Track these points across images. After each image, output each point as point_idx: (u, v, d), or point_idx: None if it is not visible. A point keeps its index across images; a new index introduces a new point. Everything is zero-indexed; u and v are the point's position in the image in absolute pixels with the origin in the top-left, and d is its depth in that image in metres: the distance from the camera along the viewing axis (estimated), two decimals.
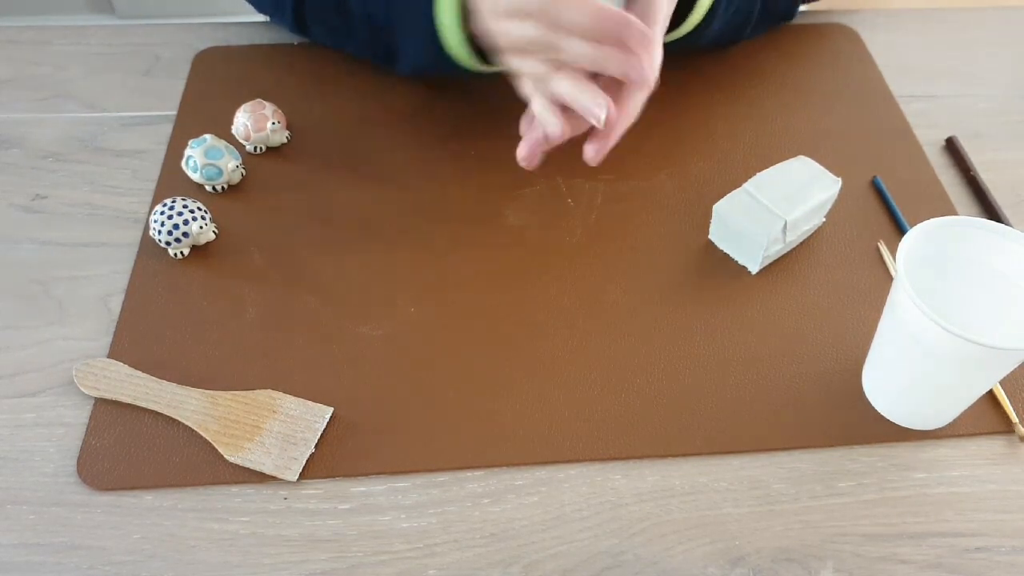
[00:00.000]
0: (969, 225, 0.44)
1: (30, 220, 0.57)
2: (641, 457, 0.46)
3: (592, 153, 0.49)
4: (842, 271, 0.54)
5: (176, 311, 0.52)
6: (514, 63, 0.49)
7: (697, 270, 0.54)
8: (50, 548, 0.43)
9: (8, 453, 0.46)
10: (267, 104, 0.60)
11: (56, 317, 0.52)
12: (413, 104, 0.65)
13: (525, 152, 0.51)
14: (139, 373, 0.48)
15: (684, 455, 0.46)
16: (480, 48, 0.54)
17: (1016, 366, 0.42)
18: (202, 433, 0.46)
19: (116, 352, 0.50)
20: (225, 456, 0.45)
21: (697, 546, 0.43)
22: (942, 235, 0.43)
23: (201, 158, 0.56)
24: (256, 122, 0.59)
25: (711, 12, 0.58)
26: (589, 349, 0.50)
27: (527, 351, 0.50)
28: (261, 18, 0.74)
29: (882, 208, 0.58)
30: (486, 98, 0.65)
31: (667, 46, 0.62)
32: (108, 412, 0.47)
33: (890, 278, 0.54)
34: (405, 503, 0.44)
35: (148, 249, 0.55)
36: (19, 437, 0.47)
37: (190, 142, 0.57)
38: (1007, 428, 0.47)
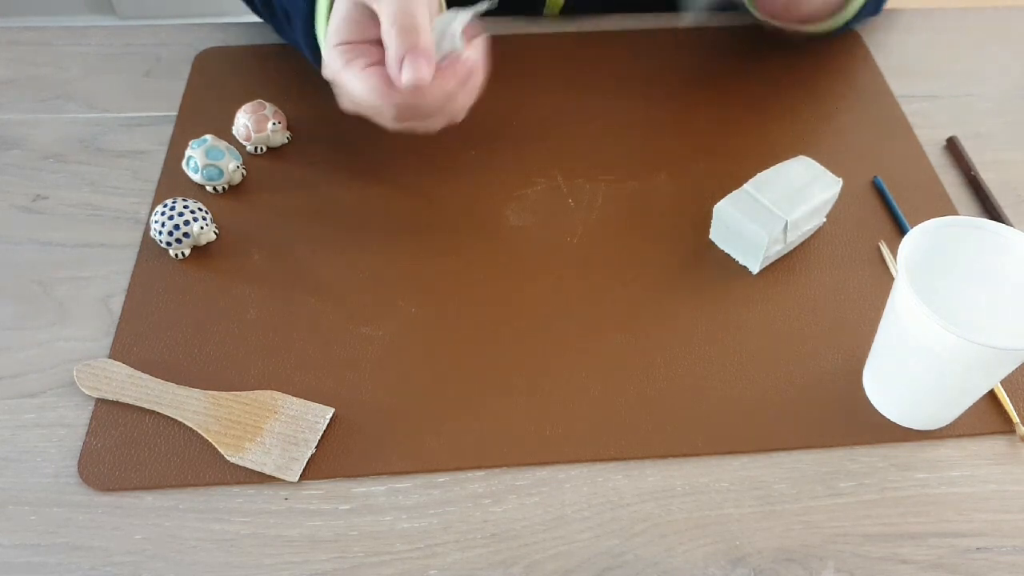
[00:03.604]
0: (970, 225, 0.44)
1: (31, 221, 0.57)
2: (642, 457, 0.46)
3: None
4: (843, 271, 0.54)
5: (177, 311, 0.52)
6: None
7: (697, 270, 0.54)
8: (51, 549, 0.43)
9: (9, 454, 0.46)
10: (268, 105, 0.60)
11: (57, 318, 0.52)
12: None
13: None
14: (140, 374, 0.48)
15: (685, 455, 0.46)
16: None
17: (1017, 366, 0.42)
18: (203, 434, 0.46)
19: (117, 353, 0.50)
20: (226, 456, 0.45)
21: (698, 546, 0.43)
22: (943, 235, 0.43)
23: (202, 159, 0.56)
24: (257, 123, 0.59)
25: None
26: (590, 349, 0.50)
27: (528, 351, 0.50)
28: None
29: (883, 208, 0.58)
30: (487, 98, 0.65)
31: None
32: (109, 413, 0.47)
33: (891, 278, 0.54)
34: (406, 504, 0.44)
35: (149, 250, 0.55)
36: (20, 438, 0.47)
37: (191, 143, 0.57)
38: (1008, 428, 0.47)
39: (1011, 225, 0.55)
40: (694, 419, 0.47)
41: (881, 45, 0.71)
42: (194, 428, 0.46)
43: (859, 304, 0.53)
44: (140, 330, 0.51)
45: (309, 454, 0.45)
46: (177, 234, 0.52)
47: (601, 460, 0.46)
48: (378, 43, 0.48)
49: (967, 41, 0.72)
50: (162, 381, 0.48)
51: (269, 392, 0.48)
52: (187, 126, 0.63)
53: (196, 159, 0.56)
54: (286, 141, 0.61)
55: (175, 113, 0.64)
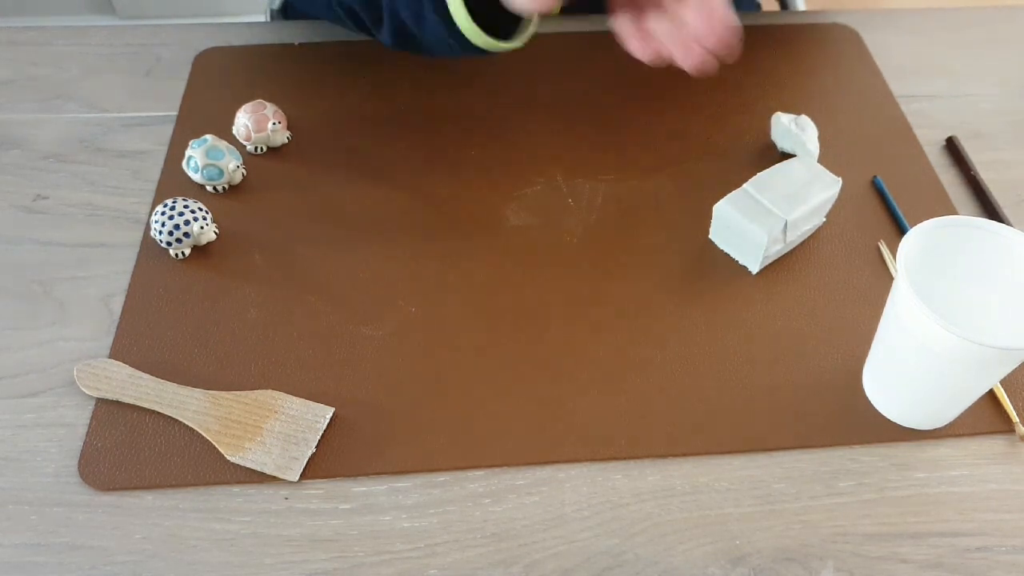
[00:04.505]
0: (969, 225, 0.44)
1: (31, 221, 0.57)
2: (642, 457, 0.46)
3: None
4: (842, 271, 0.54)
5: (177, 311, 0.52)
6: None
7: (697, 270, 0.54)
8: (52, 548, 0.43)
9: (9, 454, 0.46)
10: (268, 104, 0.60)
11: (57, 317, 0.52)
12: (414, 104, 0.65)
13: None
14: (140, 373, 0.48)
15: (685, 455, 0.46)
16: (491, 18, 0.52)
17: (1016, 366, 0.42)
18: (203, 433, 0.46)
19: (117, 352, 0.50)
20: (226, 456, 0.45)
21: (698, 546, 0.43)
22: (942, 235, 0.44)
23: (202, 158, 0.56)
24: (257, 122, 0.59)
25: None
26: (589, 349, 0.50)
27: (527, 351, 0.50)
28: (261, 18, 0.74)
29: (882, 208, 0.58)
30: (487, 98, 0.65)
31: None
32: (109, 412, 0.47)
33: (890, 278, 0.54)
34: (406, 503, 0.44)
35: (149, 249, 0.55)
36: (20, 438, 0.47)
37: (191, 142, 0.57)
38: (1007, 428, 0.47)
39: (1011, 225, 0.55)
40: (694, 419, 0.47)
41: (881, 45, 0.71)
42: (194, 428, 0.46)
43: (859, 304, 0.53)
44: (140, 330, 0.51)
45: (309, 454, 0.45)
46: (177, 234, 0.52)
47: (601, 460, 0.46)
48: None
49: (967, 41, 0.72)
50: (162, 381, 0.48)
51: (269, 392, 0.48)
52: (187, 126, 0.63)
53: (196, 159, 0.56)
54: (286, 141, 0.62)
55: (175, 113, 0.64)
